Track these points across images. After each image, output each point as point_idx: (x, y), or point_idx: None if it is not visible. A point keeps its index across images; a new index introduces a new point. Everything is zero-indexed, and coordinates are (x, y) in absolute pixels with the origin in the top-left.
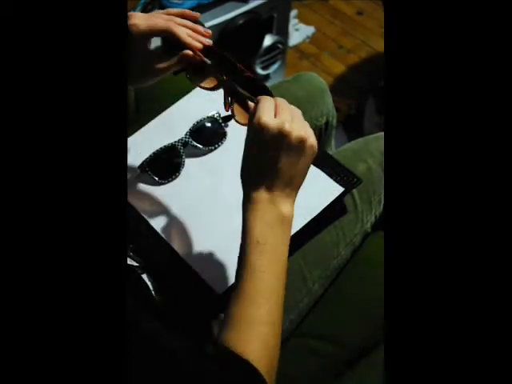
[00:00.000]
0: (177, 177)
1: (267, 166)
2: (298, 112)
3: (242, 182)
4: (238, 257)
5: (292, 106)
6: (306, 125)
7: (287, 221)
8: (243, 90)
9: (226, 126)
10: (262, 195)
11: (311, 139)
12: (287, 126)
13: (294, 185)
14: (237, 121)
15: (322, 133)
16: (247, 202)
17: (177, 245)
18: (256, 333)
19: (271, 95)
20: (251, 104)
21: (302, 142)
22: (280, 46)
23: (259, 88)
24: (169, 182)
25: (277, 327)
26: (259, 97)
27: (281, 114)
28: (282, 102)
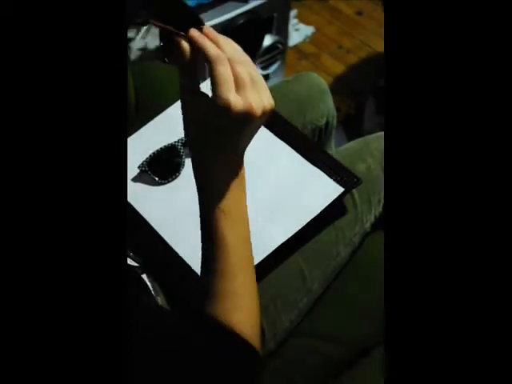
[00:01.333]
0: (177, 177)
1: (227, 141)
2: (254, 70)
3: (192, 149)
4: (202, 230)
5: (242, 57)
6: (265, 86)
7: (243, 178)
8: (161, 23)
9: None
10: (220, 164)
11: (272, 103)
12: (255, 107)
13: (248, 143)
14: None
15: (322, 133)
16: (203, 171)
17: (176, 245)
18: (237, 304)
19: (200, 23)
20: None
21: (266, 112)
22: (280, 45)
23: (184, 17)
24: (169, 181)
25: (254, 294)
26: (213, 65)
27: (243, 87)
28: (236, 63)
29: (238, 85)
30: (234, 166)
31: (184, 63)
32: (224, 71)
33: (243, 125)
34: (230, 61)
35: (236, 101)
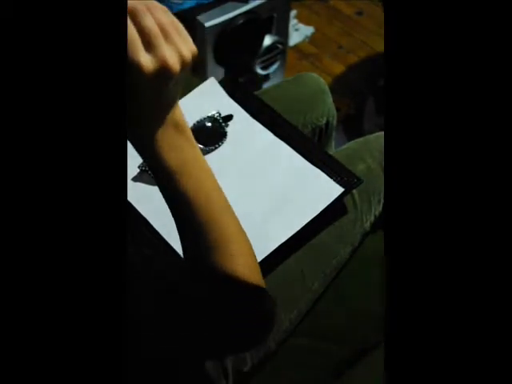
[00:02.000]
0: None
1: (152, 102)
2: (166, 17)
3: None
4: (165, 197)
5: (147, 6)
6: (183, 32)
7: (185, 132)
8: None
9: (227, 125)
10: (155, 129)
11: (194, 50)
12: (171, 62)
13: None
14: None
15: (322, 133)
16: (141, 143)
17: (177, 245)
18: (230, 250)
19: None
20: None
21: (187, 63)
22: (280, 46)
23: None
24: None
25: (243, 237)
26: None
27: (152, 42)
28: (141, 16)
29: (147, 40)
30: (167, 125)
31: None
32: (129, 34)
33: (162, 83)
34: (133, 15)
35: (146, 60)
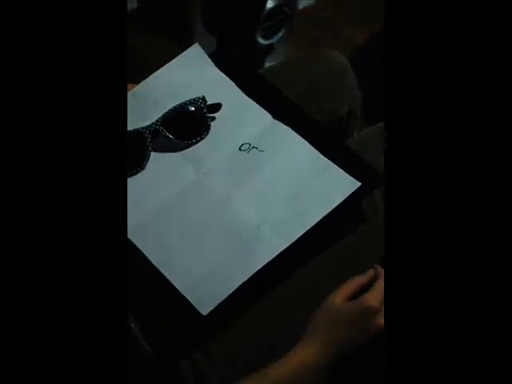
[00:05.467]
0: (138, 171)
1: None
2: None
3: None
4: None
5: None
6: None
7: None
8: None
9: (213, 119)
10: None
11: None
12: (381, 317)
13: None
14: None
15: (342, 123)
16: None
17: (154, 256)
18: None
19: None
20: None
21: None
22: (286, 9)
23: None
24: (129, 176)
25: None
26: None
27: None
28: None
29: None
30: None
31: None
32: (382, 286)
33: (360, 327)
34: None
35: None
